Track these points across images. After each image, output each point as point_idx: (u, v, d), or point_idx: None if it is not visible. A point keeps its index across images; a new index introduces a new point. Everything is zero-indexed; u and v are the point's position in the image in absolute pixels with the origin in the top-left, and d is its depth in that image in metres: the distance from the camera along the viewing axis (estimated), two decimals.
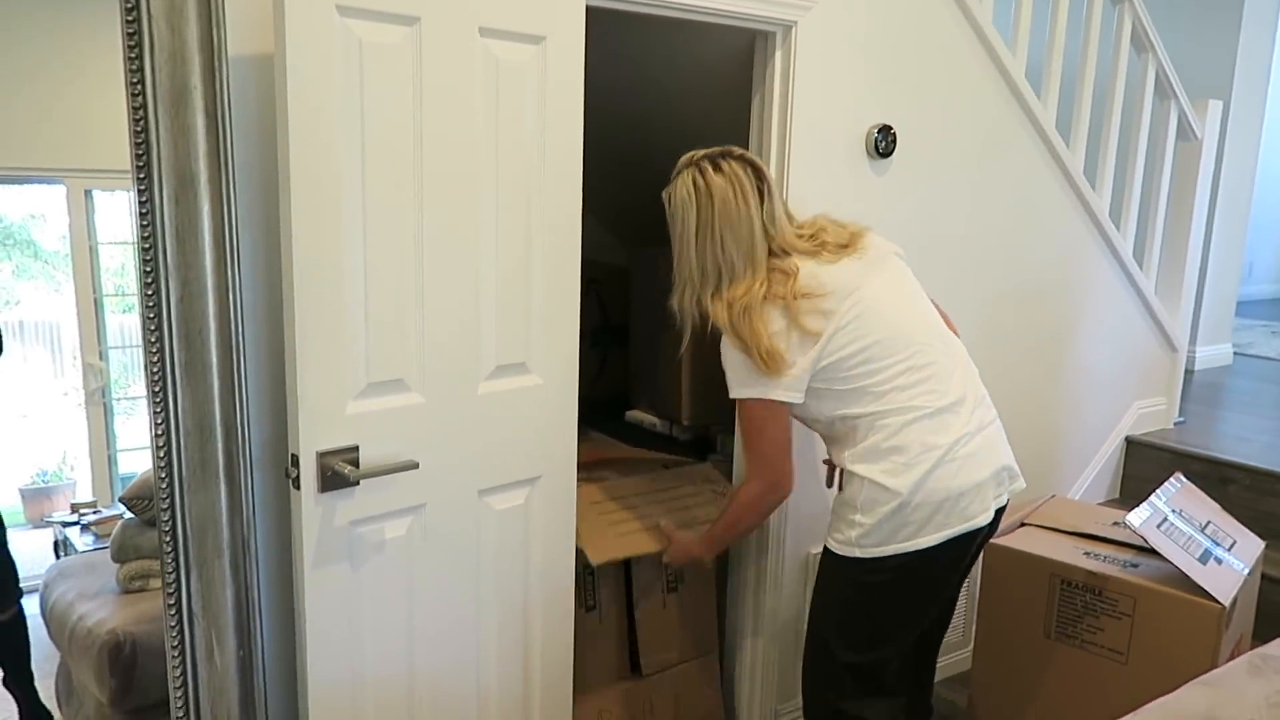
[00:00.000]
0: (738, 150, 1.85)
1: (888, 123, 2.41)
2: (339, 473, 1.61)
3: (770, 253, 1.82)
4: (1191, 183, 3.34)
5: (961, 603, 2.88)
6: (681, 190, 1.84)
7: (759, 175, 1.83)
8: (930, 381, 1.79)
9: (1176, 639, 2.00)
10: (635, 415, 2.99)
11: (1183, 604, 1.99)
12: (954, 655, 2.92)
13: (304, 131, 1.51)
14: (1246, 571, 2.12)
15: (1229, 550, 2.13)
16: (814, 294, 1.77)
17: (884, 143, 2.41)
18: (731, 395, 1.85)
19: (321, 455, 1.61)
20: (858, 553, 1.79)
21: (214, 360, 1.50)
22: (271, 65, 1.54)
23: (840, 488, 1.90)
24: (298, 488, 1.60)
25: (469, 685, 1.90)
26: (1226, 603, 1.96)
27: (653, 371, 2.94)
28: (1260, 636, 2.35)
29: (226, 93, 1.48)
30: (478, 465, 1.82)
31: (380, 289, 1.63)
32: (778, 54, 2.22)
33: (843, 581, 1.85)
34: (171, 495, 1.50)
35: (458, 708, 1.89)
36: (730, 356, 1.82)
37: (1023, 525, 2.35)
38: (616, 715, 2.27)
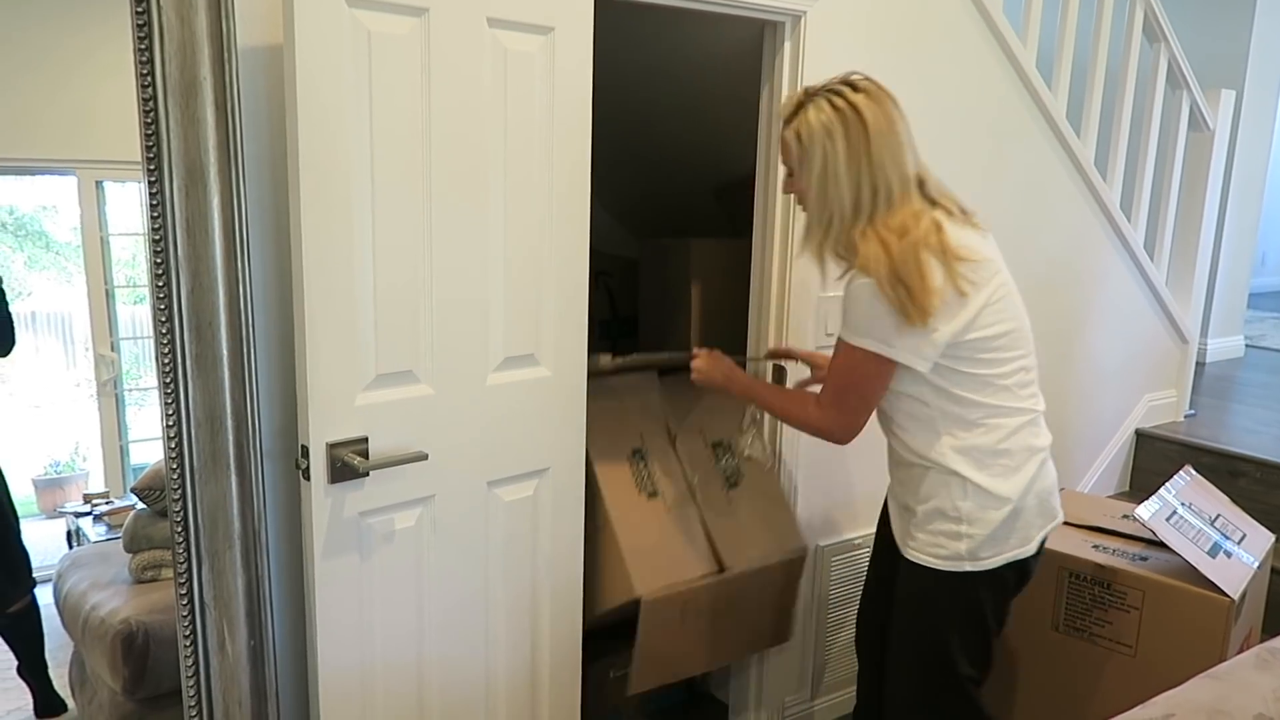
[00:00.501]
0: (857, 75, 1.68)
1: None
2: (348, 464, 1.62)
3: (924, 194, 1.67)
4: (1203, 173, 3.33)
5: None
6: (817, 118, 1.63)
7: (894, 100, 1.67)
8: (1035, 385, 1.73)
9: (1185, 632, 2.00)
10: None
11: (1192, 597, 1.98)
12: None
13: (313, 123, 1.51)
14: (1256, 565, 2.11)
15: (1238, 544, 2.13)
16: (968, 258, 1.60)
17: None
18: (843, 336, 1.67)
19: (331, 446, 1.61)
20: (969, 566, 1.68)
21: (224, 352, 1.51)
22: (280, 57, 1.54)
23: (916, 486, 1.75)
24: (308, 479, 1.61)
25: (478, 674, 1.91)
26: (1235, 596, 1.95)
27: None
28: (1270, 630, 2.34)
29: (236, 84, 1.48)
30: (486, 457, 1.83)
31: (389, 280, 1.64)
32: (786, 44, 2.22)
33: (955, 597, 1.72)
34: (183, 486, 1.51)
35: (467, 696, 1.90)
36: (863, 296, 1.60)
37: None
38: (699, 610, 2.14)
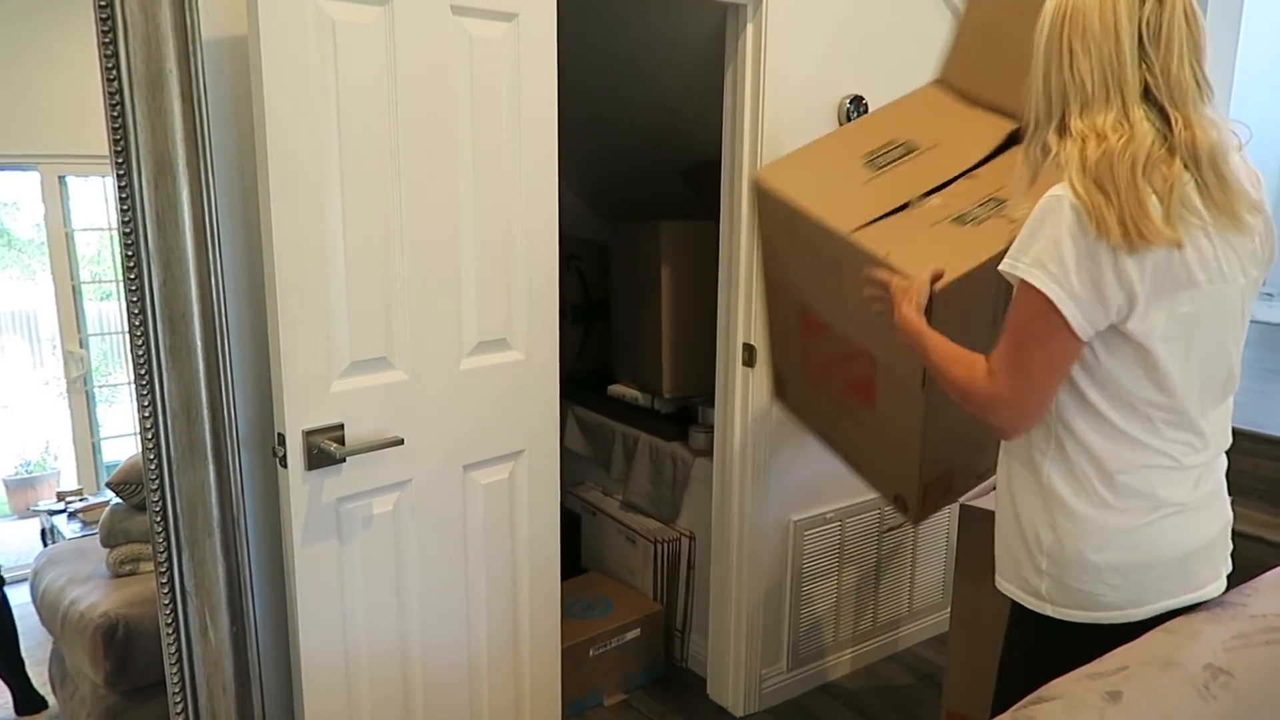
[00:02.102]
0: None
1: (859, 93, 2.44)
2: (325, 450, 1.63)
3: (1150, 97, 1.25)
4: None
5: (941, 563, 2.95)
6: (1047, 5, 1.32)
7: None
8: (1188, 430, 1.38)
9: None
10: (618, 389, 3.03)
11: None
12: (935, 616, 2.99)
13: (280, 113, 1.52)
14: None
15: None
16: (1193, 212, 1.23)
17: (856, 113, 2.44)
18: (1006, 268, 1.29)
19: (307, 434, 1.63)
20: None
21: (198, 343, 1.52)
22: (245, 47, 1.55)
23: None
24: (285, 466, 1.63)
25: (460, 655, 1.94)
26: None
27: (634, 345, 2.97)
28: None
29: (202, 76, 1.49)
30: (462, 441, 1.85)
31: (361, 268, 1.66)
32: (749, 27, 2.24)
33: None
34: (161, 477, 1.52)
35: (450, 677, 1.93)
36: (1046, 209, 1.25)
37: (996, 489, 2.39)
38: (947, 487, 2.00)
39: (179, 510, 1.53)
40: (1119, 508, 1.34)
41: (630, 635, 2.66)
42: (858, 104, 2.43)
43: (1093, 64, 1.25)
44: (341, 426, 1.67)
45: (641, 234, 2.89)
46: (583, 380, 3.20)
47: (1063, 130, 1.28)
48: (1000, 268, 1.31)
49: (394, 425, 1.74)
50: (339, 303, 1.64)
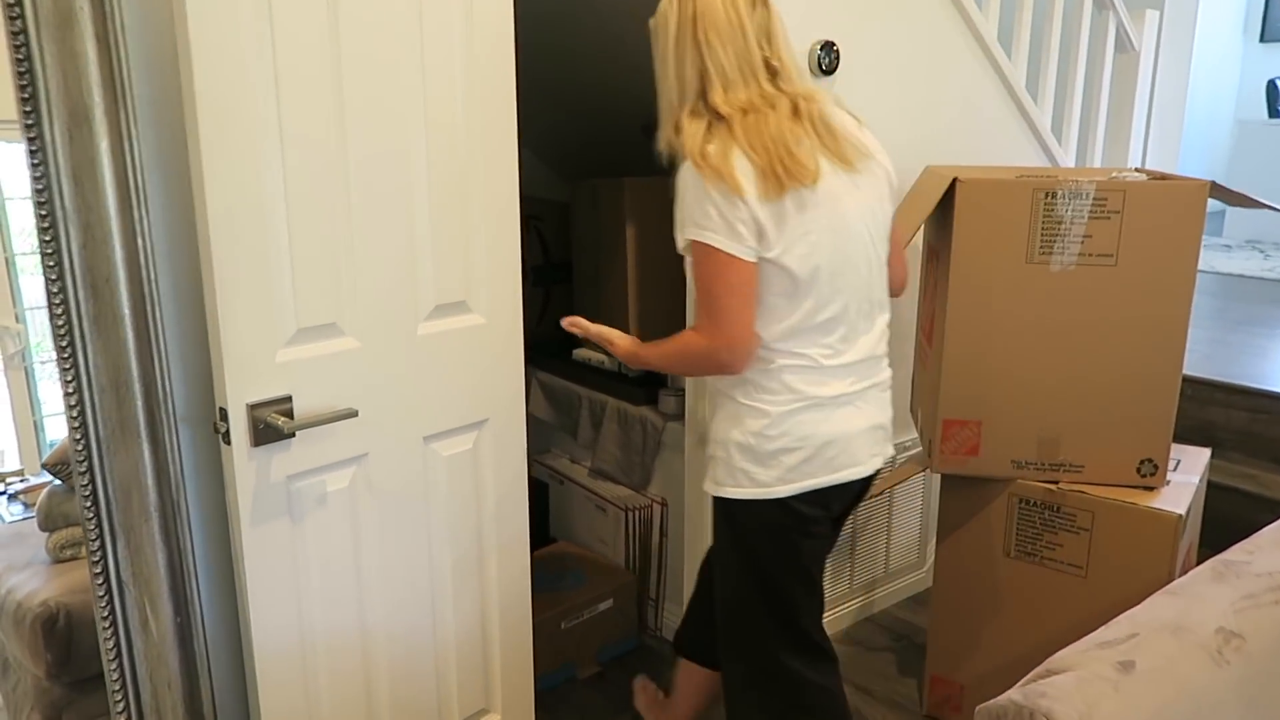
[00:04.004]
0: None
1: (830, 39, 2.33)
2: (272, 425, 1.51)
3: (773, 83, 1.56)
4: (1130, 94, 3.32)
5: (917, 523, 2.89)
6: (662, 4, 1.60)
7: None
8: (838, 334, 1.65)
9: (1135, 550, 2.01)
10: (583, 354, 2.91)
11: (1140, 516, 1.99)
12: (911, 576, 2.93)
13: (208, 57, 1.38)
14: (1196, 481, 2.13)
15: (1174, 470, 2.14)
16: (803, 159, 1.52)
17: (827, 59, 2.33)
18: (678, 242, 1.58)
19: (252, 408, 1.51)
20: None
21: (126, 311, 1.39)
22: None
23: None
24: (228, 443, 1.51)
25: (425, 636, 1.84)
26: (1182, 511, 1.97)
27: (597, 308, 2.85)
28: (1208, 544, 2.38)
29: (118, 14, 1.34)
30: (421, 411, 1.74)
31: (305, 227, 1.52)
32: None
33: None
34: (89, 458, 1.40)
35: (414, 660, 1.83)
36: (686, 179, 1.54)
37: None
38: None
39: (111, 494, 1.41)
40: (768, 399, 1.60)
41: (603, 606, 2.57)
42: (829, 50, 2.32)
43: (730, 53, 1.53)
44: (289, 399, 1.55)
45: (603, 192, 2.76)
46: (546, 345, 3.08)
47: (695, 112, 1.55)
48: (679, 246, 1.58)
49: (347, 396, 1.62)
50: (282, 265, 1.51)
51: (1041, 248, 2.02)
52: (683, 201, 1.54)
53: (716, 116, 1.53)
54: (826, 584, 2.69)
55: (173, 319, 1.53)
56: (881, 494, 2.64)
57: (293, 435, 1.54)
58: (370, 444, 1.68)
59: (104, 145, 1.34)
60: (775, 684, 1.73)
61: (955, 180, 2.02)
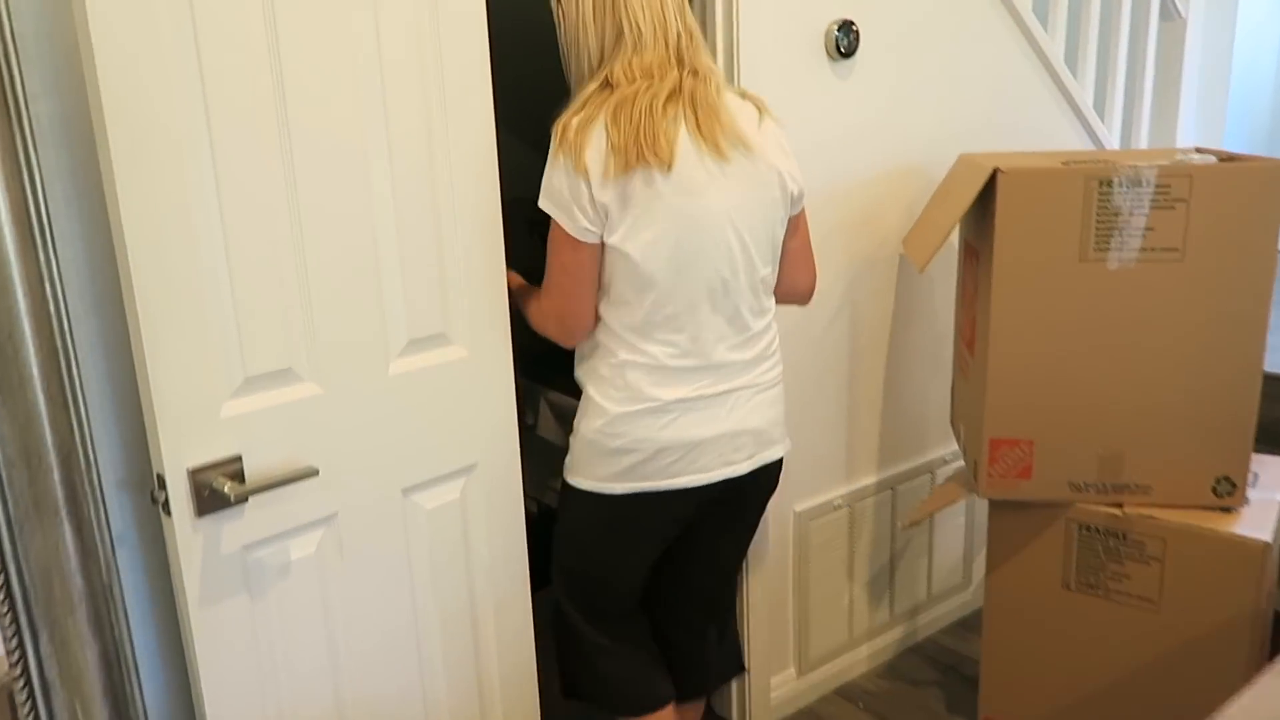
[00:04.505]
0: None
1: (848, 17, 2.09)
2: (218, 491, 1.31)
3: (677, 55, 1.51)
4: (1177, 65, 3.06)
5: (960, 540, 2.66)
6: None
7: None
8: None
9: (1213, 581, 1.77)
10: None
11: (1219, 543, 1.76)
12: (956, 599, 2.70)
13: (117, 65, 1.17)
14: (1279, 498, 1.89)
15: (1253, 487, 1.90)
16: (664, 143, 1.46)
17: (846, 40, 2.09)
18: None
19: (194, 472, 1.30)
20: None
21: (34, 370, 1.18)
22: None
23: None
24: (169, 514, 1.30)
25: (414, 711, 1.63)
26: (1268, 538, 1.73)
27: None
28: None
29: (7, 16, 1.14)
30: (398, 460, 1.53)
31: (247, 258, 1.31)
32: None
33: None
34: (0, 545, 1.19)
35: None
36: (550, 157, 1.52)
37: None
38: None
39: (28, 583, 1.20)
40: (611, 396, 1.57)
41: None
42: (847, 30, 2.08)
43: (647, 16, 1.48)
44: (239, 459, 1.34)
45: None
46: (553, 359, 2.85)
47: (594, 79, 1.50)
48: None
49: (307, 450, 1.41)
50: (222, 304, 1.30)
51: (1097, 243, 1.78)
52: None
53: (605, 84, 1.49)
54: (863, 615, 2.47)
55: (95, 375, 1.33)
56: (920, 522, 2.40)
57: (245, 500, 1.34)
58: (339, 501, 1.47)
59: None
60: (568, 635, 1.79)
61: (996, 171, 1.78)
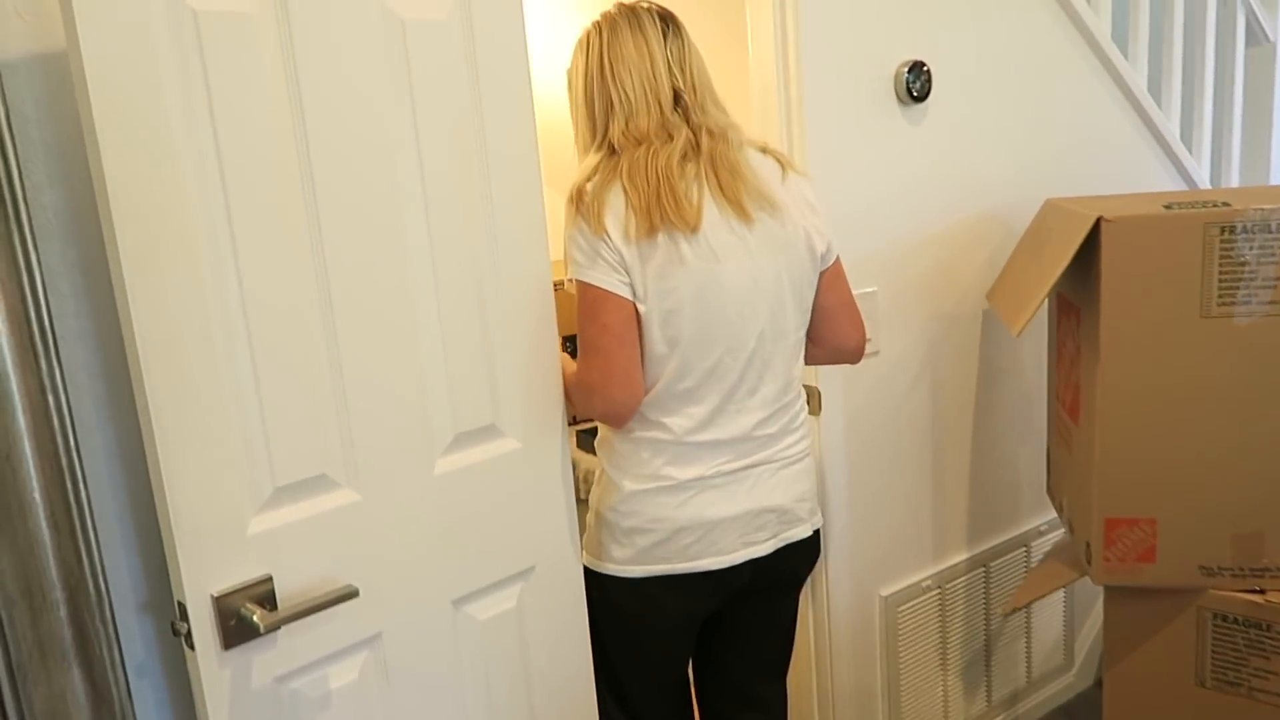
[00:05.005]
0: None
1: (918, 58, 1.93)
2: (247, 620, 1.16)
3: (680, 114, 1.44)
4: (1268, 93, 2.86)
5: (1061, 616, 2.42)
6: (574, 50, 1.51)
7: (665, 14, 1.47)
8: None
9: None
10: None
11: None
12: (1058, 682, 2.46)
13: (125, 151, 1.04)
14: None
15: None
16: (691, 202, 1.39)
17: (917, 83, 1.93)
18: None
19: (219, 599, 1.15)
20: None
21: (36, 495, 1.04)
22: (67, 65, 1.08)
23: None
24: (191, 646, 1.15)
25: None
26: None
27: None
28: None
29: (3, 108, 1.02)
30: (447, 568, 1.37)
31: (274, 356, 1.17)
32: None
33: None
34: (1, 692, 1.05)
35: None
36: (566, 223, 1.44)
37: None
38: None
39: None
40: (627, 472, 1.48)
41: None
42: (918, 72, 1.93)
43: (635, 81, 1.42)
44: (269, 580, 1.19)
45: None
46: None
47: (597, 148, 1.45)
48: None
49: (346, 565, 1.26)
50: (247, 408, 1.16)
51: (1221, 297, 1.58)
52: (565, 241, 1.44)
53: (611, 151, 1.43)
54: (958, 707, 2.25)
55: (112, 488, 1.19)
56: (1022, 609, 2.18)
57: (276, 630, 1.18)
58: (383, 620, 1.31)
59: None
60: None
61: (1099, 219, 1.60)
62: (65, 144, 1.13)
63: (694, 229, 1.38)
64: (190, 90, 1.08)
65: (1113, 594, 1.78)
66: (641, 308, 1.40)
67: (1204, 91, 2.67)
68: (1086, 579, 1.80)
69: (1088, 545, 1.74)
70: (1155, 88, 2.51)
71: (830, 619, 1.98)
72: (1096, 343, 1.64)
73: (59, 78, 1.11)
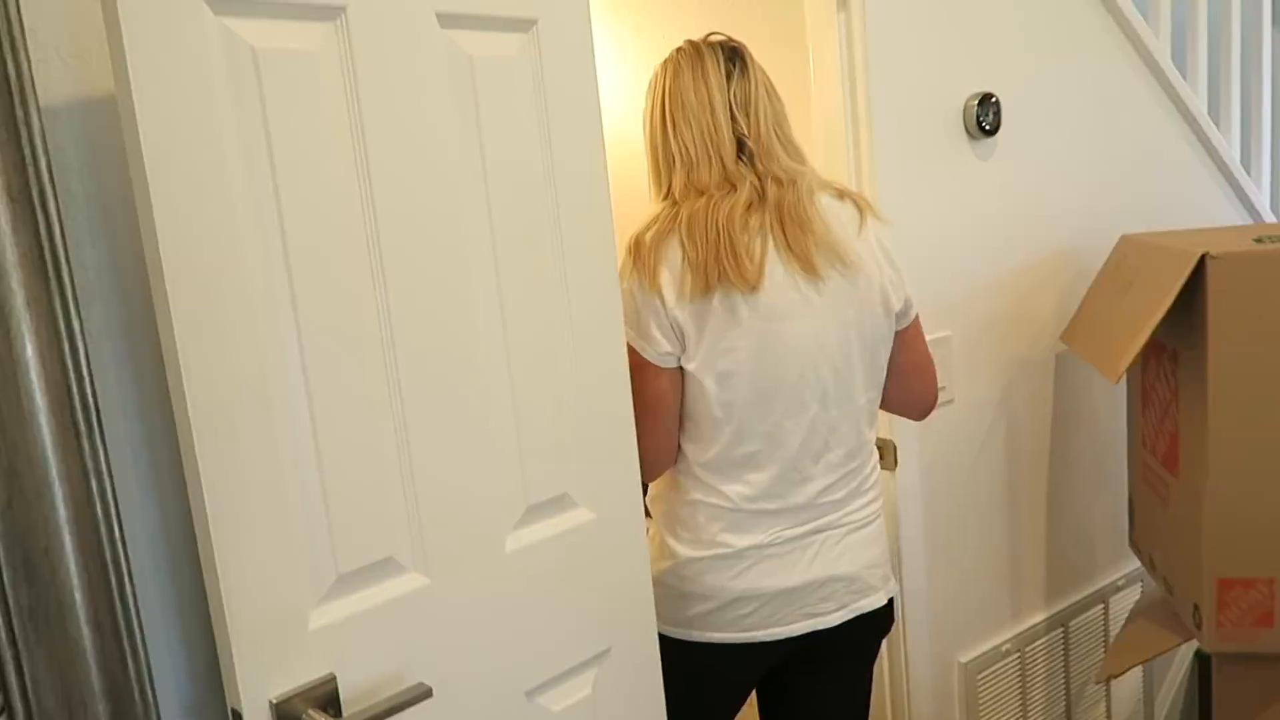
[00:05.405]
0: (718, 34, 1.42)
1: (989, 90, 1.84)
2: None
3: (746, 161, 1.36)
4: None
5: (1135, 676, 2.28)
6: (647, 86, 1.44)
7: (732, 52, 1.39)
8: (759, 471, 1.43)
9: None
10: None
11: None
12: None
13: (178, 204, 0.93)
14: None
15: None
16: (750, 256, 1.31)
17: (988, 116, 1.83)
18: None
19: (278, 704, 1.02)
20: None
21: (78, 595, 0.92)
22: (116, 109, 0.97)
23: None
24: None
25: None
26: None
27: None
28: None
29: (44, 157, 0.91)
30: (519, 656, 1.24)
31: (337, 430, 1.06)
32: (841, 14, 1.66)
33: None
34: None
35: None
36: (623, 277, 1.37)
37: None
38: None
39: None
40: (682, 537, 1.41)
41: None
42: (987, 105, 1.83)
43: (695, 131, 1.35)
44: (333, 680, 1.06)
45: None
46: None
47: (662, 198, 1.38)
48: None
49: (414, 657, 1.13)
50: (309, 490, 1.04)
51: None
52: None
53: (675, 200, 1.36)
54: None
55: (151, 590, 1.07)
56: (1120, 675, 2.04)
57: None
58: (452, 715, 1.18)
59: (29, 350, 0.90)
60: None
61: (1204, 256, 1.49)
62: (109, 196, 1.02)
63: (754, 287, 1.30)
64: (249, 134, 0.97)
65: (1225, 661, 1.64)
66: (690, 366, 1.33)
67: (1262, 116, 2.58)
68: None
69: (1196, 608, 1.61)
70: (1214, 111, 2.42)
71: (909, 689, 1.84)
72: (1203, 388, 1.53)
73: (103, 123, 1.00)
